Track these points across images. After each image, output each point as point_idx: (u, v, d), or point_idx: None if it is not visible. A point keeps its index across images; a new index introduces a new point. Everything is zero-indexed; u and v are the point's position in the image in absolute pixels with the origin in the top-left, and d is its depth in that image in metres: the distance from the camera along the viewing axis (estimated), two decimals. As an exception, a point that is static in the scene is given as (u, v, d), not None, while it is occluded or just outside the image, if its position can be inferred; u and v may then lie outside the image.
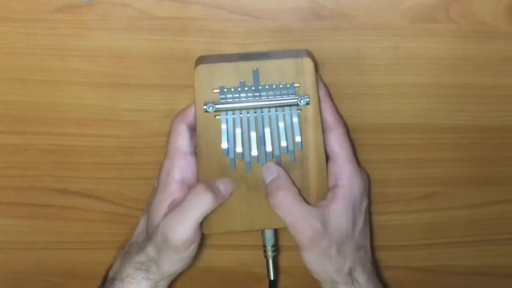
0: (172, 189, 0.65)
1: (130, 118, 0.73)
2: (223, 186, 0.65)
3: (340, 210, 0.65)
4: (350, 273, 0.66)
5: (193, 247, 0.65)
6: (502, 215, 0.78)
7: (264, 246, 0.70)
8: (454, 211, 0.78)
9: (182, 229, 0.63)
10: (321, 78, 0.67)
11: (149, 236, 0.66)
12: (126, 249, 0.68)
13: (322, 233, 0.64)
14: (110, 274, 0.68)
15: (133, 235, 0.69)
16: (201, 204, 0.64)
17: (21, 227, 0.78)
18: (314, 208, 0.65)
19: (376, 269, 0.71)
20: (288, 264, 0.80)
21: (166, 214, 0.64)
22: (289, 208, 0.64)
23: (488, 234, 0.79)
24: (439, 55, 0.70)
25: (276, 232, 0.71)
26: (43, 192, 0.76)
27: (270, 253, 0.70)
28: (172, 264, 0.65)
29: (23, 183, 0.76)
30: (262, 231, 0.70)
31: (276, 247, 0.71)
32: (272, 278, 0.71)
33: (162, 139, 0.68)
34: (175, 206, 0.64)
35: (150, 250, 0.65)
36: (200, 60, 0.65)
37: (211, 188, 0.64)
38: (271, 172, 0.66)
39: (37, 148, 0.74)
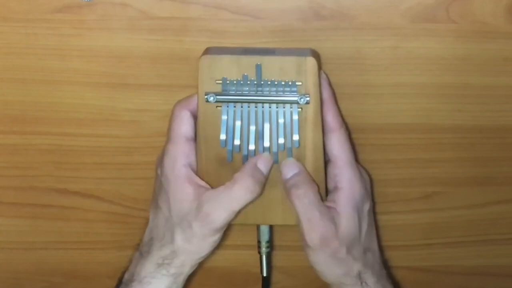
0: (185, 176, 0.65)
1: (130, 118, 0.73)
2: (264, 165, 0.65)
3: (348, 214, 0.65)
4: (359, 276, 0.66)
5: (221, 233, 0.66)
6: (502, 215, 0.78)
7: (259, 241, 0.71)
8: (454, 211, 0.78)
9: (225, 214, 0.64)
10: (329, 80, 0.67)
11: (173, 227, 0.65)
12: (144, 248, 0.67)
13: (334, 234, 0.64)
14: (126, 276, 0.67)
15: (146, 234, 0.68)
16: (246, 196, 0.64)
17: (21, 227, 0.78)
18: (328, 209, 0.65)
19: (387, 270, 0.71)
20: (288, 264, 0.79)
21: (205, 199, 0.64)
22: (310, 202, 0.64)
23: (488, 234, 0.79)
24: (439, 55, 0.70)
25: (271, 228, 0.71)
26: (43, 192, 0.76)
27: (264, 249, 0.71)
28: (199, 250, 0.66)
29: (23, 183, 0.76)
30: (257, 226, 0.70)
31: (271, 244, 0.71)
32: (265, 275, 0.71)
33: (162, 139, 0.68)
34: (217, 191, 0.64)
35: (178, 239, 0.65)
36: (206, 51, 0.65)
37: (257, 178, 0.65)
38: (292, 168, 0.66)
39: (37, 148, 0.74)
